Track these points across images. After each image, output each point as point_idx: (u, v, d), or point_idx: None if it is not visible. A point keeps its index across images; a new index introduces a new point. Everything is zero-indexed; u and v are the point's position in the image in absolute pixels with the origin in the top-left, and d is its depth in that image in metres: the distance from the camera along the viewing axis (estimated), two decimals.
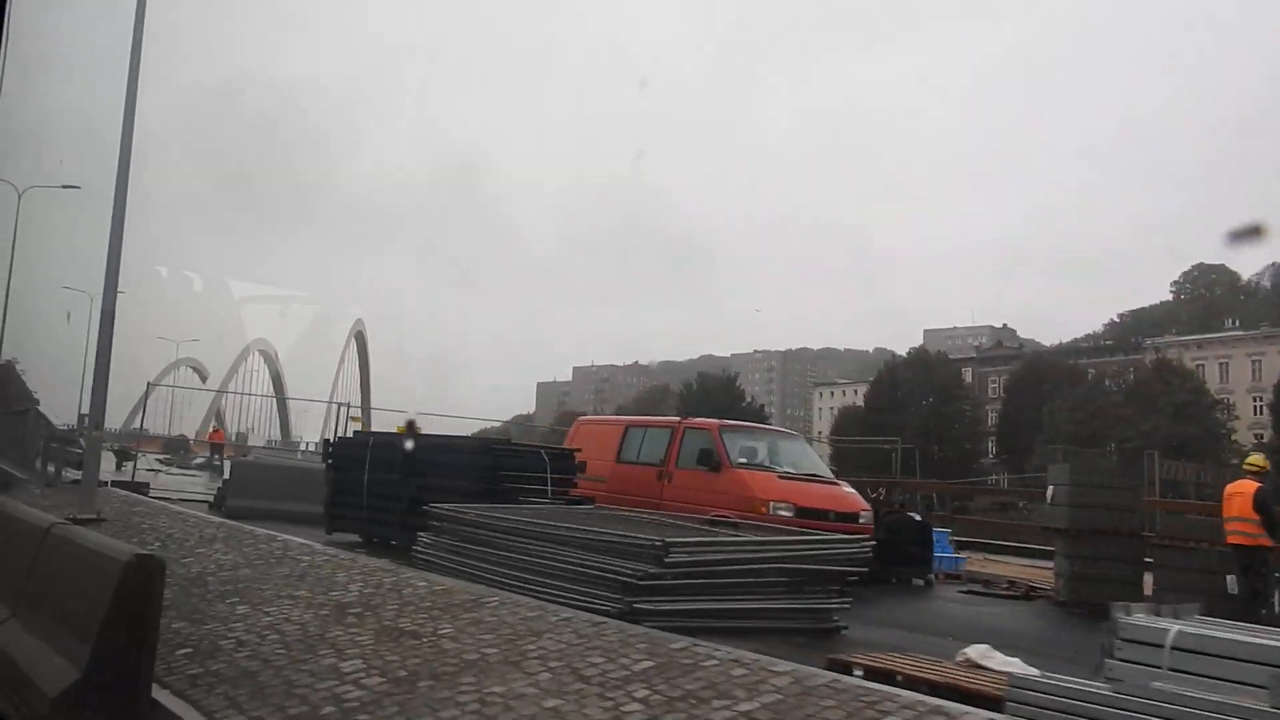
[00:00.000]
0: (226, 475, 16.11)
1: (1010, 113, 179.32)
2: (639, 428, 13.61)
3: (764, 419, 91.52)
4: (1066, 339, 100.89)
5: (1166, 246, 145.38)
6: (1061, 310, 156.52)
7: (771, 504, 11.27)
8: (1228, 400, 68.25)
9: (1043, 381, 71.93)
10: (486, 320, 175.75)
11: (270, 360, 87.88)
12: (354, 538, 12.49)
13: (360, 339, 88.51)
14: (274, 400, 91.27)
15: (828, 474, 12.77)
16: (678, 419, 13.15)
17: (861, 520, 11.83)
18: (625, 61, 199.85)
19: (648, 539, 7.16)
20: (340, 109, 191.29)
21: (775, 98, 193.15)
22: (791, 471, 12.06)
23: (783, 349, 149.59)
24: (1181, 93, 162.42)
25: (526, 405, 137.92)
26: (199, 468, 31.80)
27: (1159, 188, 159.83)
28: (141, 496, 15.14)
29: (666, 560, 6.97)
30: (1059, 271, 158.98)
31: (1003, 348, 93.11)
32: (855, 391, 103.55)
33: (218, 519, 11.91)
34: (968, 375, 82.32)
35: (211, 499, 15.91)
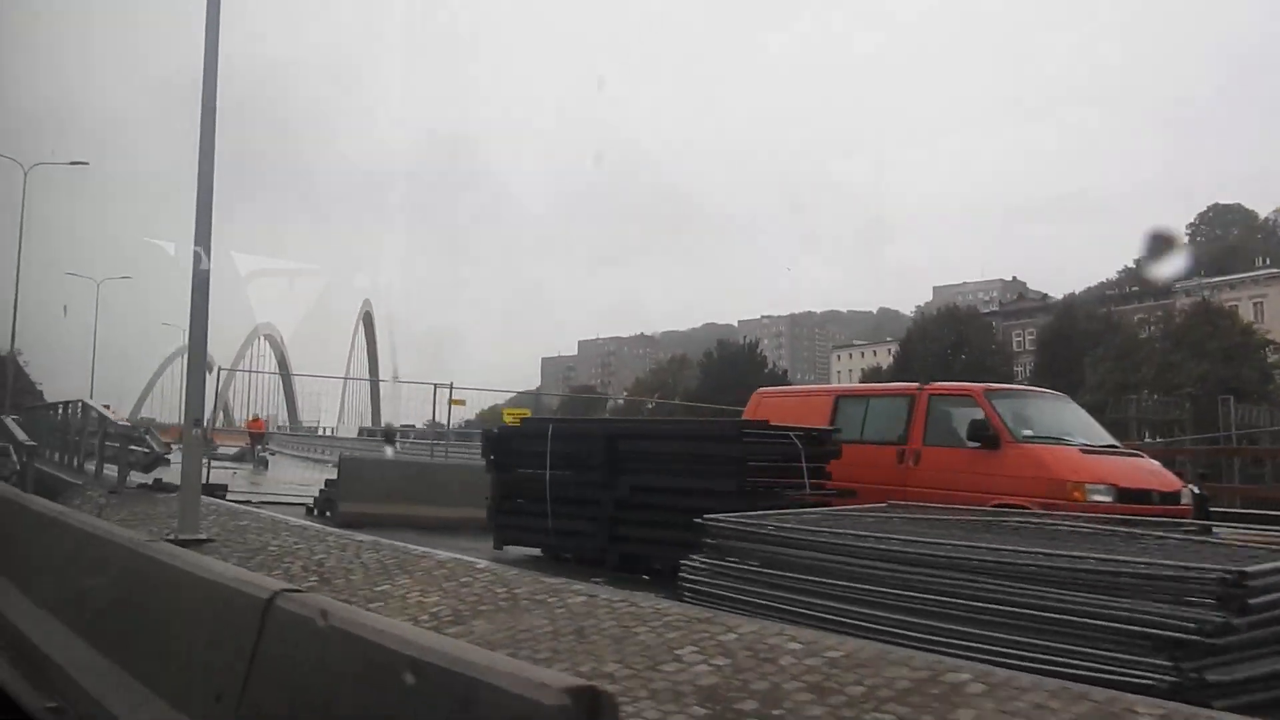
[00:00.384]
0: (334, 475, 13.40)
1: (1009, 57, 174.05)
2: (857, 397, 11.02)
3: (787, 385, 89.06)
4: (1079, 289, 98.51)
5: (1175, 189, 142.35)
6: (1069, 260, 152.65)
7: (1087, 486, 8.73)
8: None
9: (1077, 332, 69.89)
10: (487, 295, 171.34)
11: (276, 344, 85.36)
12: (533, 552, 9.92)
13: (368, 319, 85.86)
14: (280, 384, 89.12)
15: (1117, 443, 10.22)
16: (916, 385, 10.52)
17: (1183, 501, 9.32)
18: (618, 24, 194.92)
19: (1201, 567, 4.57)
20: (328, 89, 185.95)
21: (767, 52, 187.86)
22: (1087, 443, 9.49)
23: (786, 313, 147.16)
24: (1190, 28, 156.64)
25: (530, 380, 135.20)
26: (235, 459, 29.08)
27: (1163, 128, 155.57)
28: (231, 503, 12.46)
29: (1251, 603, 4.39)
30: (1064, 221, 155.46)
31: (1024, 300, 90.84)
32: (874, 353, 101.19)
33: (362, 535, 9.28)
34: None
35: (310, 503, 13.25)
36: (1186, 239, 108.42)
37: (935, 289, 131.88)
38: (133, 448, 13.22)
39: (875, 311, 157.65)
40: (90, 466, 15.00)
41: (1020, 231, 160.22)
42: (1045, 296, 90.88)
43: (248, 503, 13.17)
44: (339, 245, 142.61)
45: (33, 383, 46.49)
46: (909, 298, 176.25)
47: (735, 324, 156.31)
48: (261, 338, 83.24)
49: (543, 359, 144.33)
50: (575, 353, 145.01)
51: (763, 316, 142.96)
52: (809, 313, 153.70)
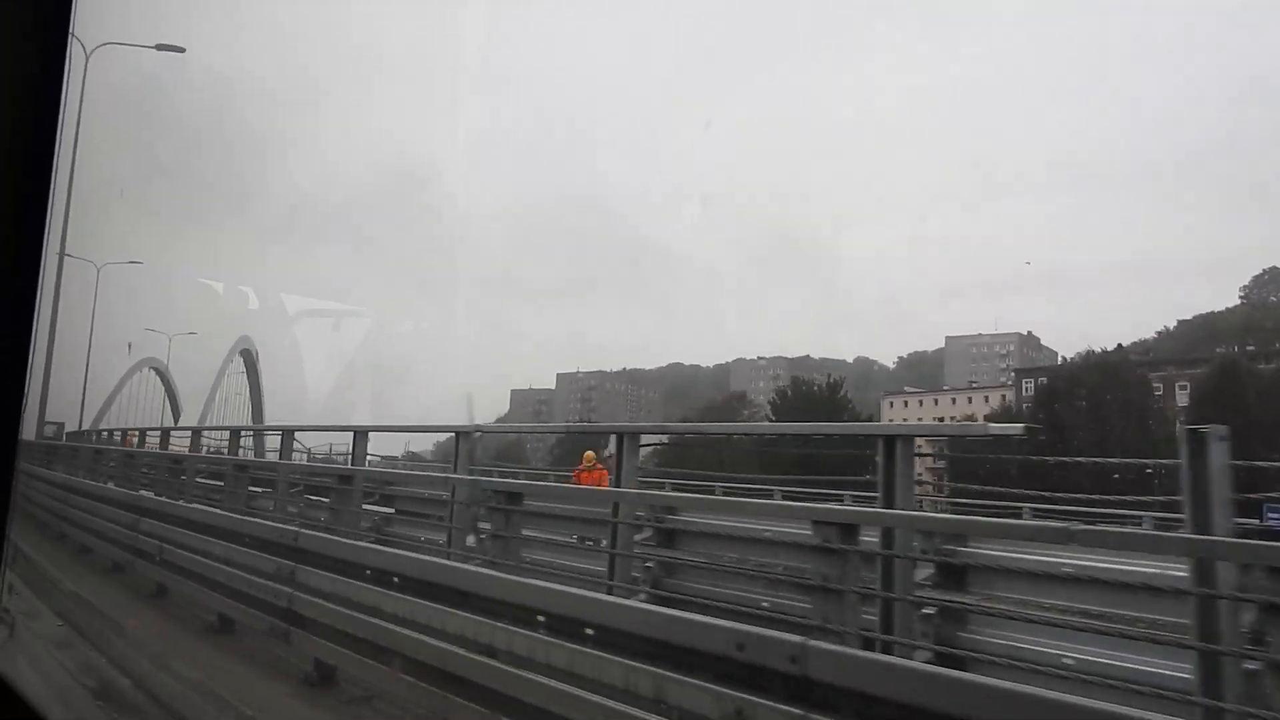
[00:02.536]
0: None
1: (1027, 112, 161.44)
2: None
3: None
4: (1109, 346, 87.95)
5: (1214, 256, 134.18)
6: (1075, 320, 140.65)
7: None
8: None
9: (1245, 390, 59.52)
10: (448, 327, 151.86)
11: (250, 360, 68.05)
12: None
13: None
14: (249, 407, 72.33)
15: None
16: None
17: None
18: (580, 69, 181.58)
19: None
20: (284, 112, 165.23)
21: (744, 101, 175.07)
22: None
23: (777, 355, 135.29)
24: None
25: (493, 413, 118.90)
26: None
27: (1204, 191, 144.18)
28: None
29: None
30: (1082, 280, 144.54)
31: (1126, 349, 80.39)
32: (935, 401, 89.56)
33: None
34: None
35: None
36: (1240, 301, 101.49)
37: (949, 339, 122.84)
38: None
39: (852, 360, 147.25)
40: None
41: (1024, 291, 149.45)
42: (1121, 347, 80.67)
43: None
44: (289, 265, 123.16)
45: None
46: (890, 348, 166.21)
47: (702, 365, 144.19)
48: (238, 354, 66.31)
49: (512, 390, 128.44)
50: (553, 386, 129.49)
51: (758, 358, 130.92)
52: (781, 357, 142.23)
